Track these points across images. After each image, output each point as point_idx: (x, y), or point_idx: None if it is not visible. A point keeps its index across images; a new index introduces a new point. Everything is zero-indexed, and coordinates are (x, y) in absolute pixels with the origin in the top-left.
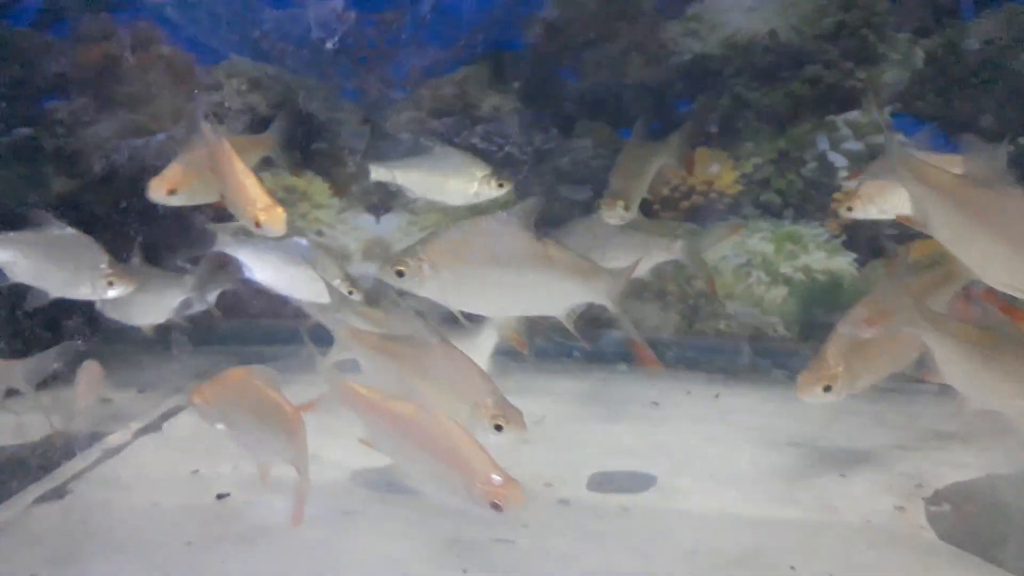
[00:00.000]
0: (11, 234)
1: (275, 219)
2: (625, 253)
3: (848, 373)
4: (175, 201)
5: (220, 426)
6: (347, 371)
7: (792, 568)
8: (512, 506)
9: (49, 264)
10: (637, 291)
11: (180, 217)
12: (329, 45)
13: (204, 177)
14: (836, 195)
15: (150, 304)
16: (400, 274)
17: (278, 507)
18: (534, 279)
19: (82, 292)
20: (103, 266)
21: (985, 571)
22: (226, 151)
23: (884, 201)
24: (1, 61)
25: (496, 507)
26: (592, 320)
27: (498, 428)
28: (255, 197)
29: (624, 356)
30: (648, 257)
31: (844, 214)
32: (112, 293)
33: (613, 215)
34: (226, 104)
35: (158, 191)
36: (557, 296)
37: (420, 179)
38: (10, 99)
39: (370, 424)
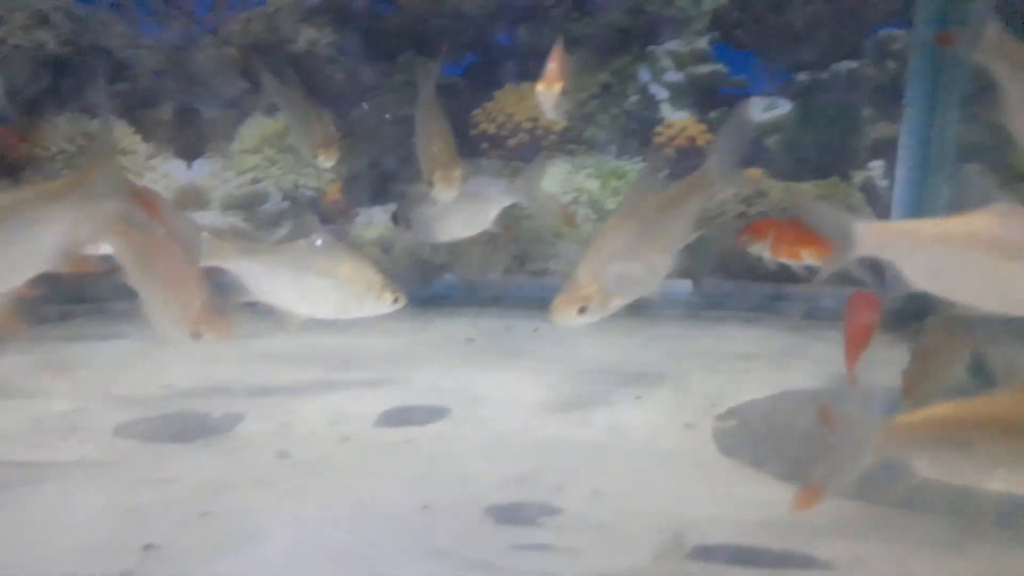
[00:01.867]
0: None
1: None
2: (468, 204)
3: (602, 293)
4: None
5: None
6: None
7: (559, 488)
8: (210, 337)
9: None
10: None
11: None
12: None
13: None
14: (657, 129)
15: None
16: None
17: (27, 463)
18: None
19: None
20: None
21: (754, 479)
22: None
23: None
24: None
25: (196, 336)
26: (424, 264)
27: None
28: None
29: (451, 299)
30: (490, 204)
31: None
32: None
33: (451, 189)
34: (9, 41)
35: None
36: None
37: None
38: None
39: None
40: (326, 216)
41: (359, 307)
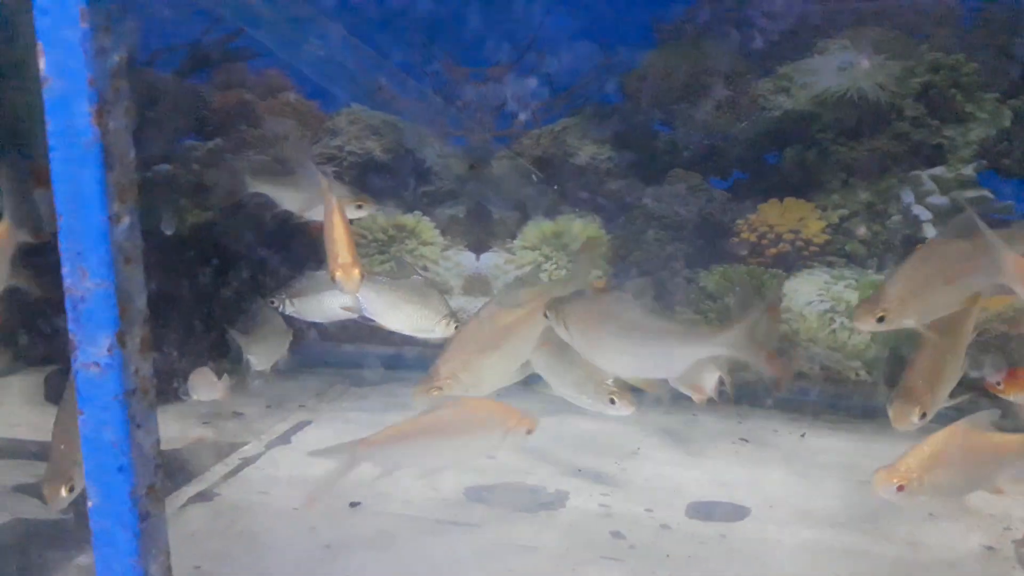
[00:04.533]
0: None
1: (349, 280)
2: None
3: (934, 396)
4: None
5: None
6: None
7: None
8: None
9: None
10: None
11: (295, 242)
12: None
13: None
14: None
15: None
16: None
17: (405, 516)
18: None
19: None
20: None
21: None
22: (331, 202)
23: None
24: (149, 103)
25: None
26: None
27: (612, 402)
28: (337, 253)
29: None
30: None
31: None
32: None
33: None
34: (345, 148)
35: None
36: (677, 359)
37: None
38: (154, 137)
39: None
40: None
41: None
